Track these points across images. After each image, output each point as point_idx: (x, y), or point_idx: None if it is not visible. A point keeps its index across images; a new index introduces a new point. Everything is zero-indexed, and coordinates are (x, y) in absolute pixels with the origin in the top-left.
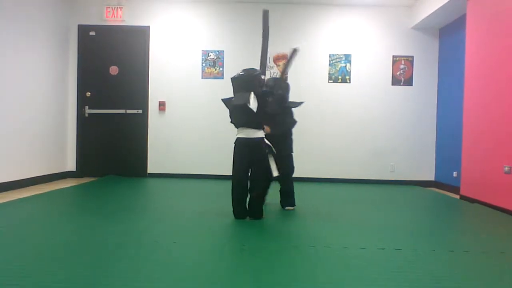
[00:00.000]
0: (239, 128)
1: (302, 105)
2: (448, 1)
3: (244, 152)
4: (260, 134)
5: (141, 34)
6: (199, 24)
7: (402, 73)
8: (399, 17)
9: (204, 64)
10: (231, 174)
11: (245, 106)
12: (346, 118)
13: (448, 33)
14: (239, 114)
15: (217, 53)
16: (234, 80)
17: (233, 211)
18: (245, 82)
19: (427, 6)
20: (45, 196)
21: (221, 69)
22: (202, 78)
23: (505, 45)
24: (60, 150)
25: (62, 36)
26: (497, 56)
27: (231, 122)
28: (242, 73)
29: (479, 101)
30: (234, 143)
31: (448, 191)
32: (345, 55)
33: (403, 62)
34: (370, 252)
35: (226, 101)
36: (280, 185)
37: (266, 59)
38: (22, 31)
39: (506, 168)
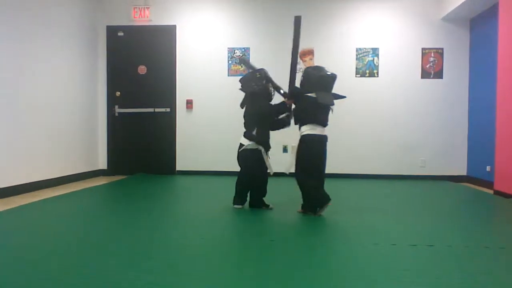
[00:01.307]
0: (311, 124)
1: None
2: None
3: (321, 147)
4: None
5: (167, 33)
6: (224, 22)
7: (431, 65)
8: (428, 8)
9: (230, 62)
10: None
11: (329, 107)
12: (375, 112)
13: (480, 23)
14: (321, 113)
15: (243, 50)
16: (325, 77)
17: (317, 203)
18: (333, 82)
19: None
20: (79, 193)
21: None
22: (228, 75)
23: None
24: (92, 149)
25: (91, 37)
26: None
27: (299, 117)
28: (329, 73)
29: None
30: (305, 139)
31: (481, 186)
32: (372, 48)
33: (432, 54)
34: (401, 248)
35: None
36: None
37: (296, 67)
38: (52, 34)
39: None
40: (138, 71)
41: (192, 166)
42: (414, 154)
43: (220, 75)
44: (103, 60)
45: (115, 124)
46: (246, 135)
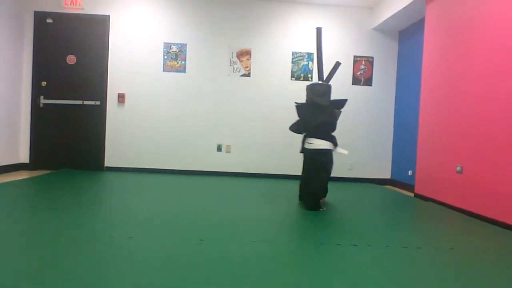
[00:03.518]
0: None
1: (264, 103)
2: (408, 5)
3: None
4: None
5: (100, 24)
6: (161, 16)
7: (362, 73)
8: (361, 18)
9: (166, 57)
10: (181, 168)
11: None
12: None
13: (407, 35)
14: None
15: (180, 46)
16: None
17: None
18: None
19: (388, 8)
20: None
21: (183, 62)
22: (163, 71)
23: (460, 49)
24: (12, 141)
25: (17, 23)
26: (452, 60)
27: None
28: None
29: (434, 102)
30: None
31: (403, 189)
32: (307, 53)
33: (363, 62)
34: (327, 247)
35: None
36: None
37: (323, 71)
38: None
39: (458, 168)
40: (67, 61)
41: (122, 162)
42: (343, 157)
43: (155, 70)
44: (29, 47)
45: (39, 116)
46: (329, 140)
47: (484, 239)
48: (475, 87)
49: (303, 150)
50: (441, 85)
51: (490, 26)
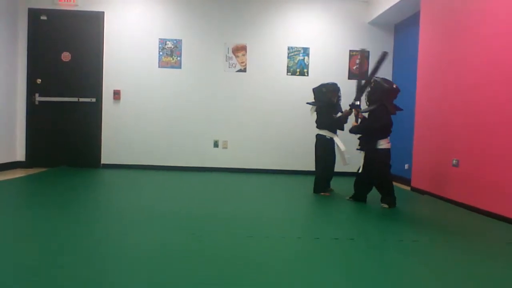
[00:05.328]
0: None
1: (260, 98)
2: None
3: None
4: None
5: (95, 20)
6: (156, 11)
7: (358, 67)
8: (356, 12)
9: (161, 53)
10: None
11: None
12: (303, 110)
13: (403, 29)
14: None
15: (175, 42)
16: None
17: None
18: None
19: (383, 2)
20: None
21: (178, 58)
22: (159, 67)
23: (455, 42)
24: (8, 139)
25: (11, 20)
26: (448, 53)
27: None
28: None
29: (430, 96)
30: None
31: (399, 182)
32: (303, 48)
33: (359, 56)
34: (324, 242)
35: None
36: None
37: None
38: None
39: (454, 161)
40: (61, 58)
41: (118, 159)
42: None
43: (150, 66)
44: (24, 44)
45: (35, 113)
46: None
47: (480, 232)
48: (471, 80)
49: (375, 150)
50: (437, 78)
51: (485, 19)
